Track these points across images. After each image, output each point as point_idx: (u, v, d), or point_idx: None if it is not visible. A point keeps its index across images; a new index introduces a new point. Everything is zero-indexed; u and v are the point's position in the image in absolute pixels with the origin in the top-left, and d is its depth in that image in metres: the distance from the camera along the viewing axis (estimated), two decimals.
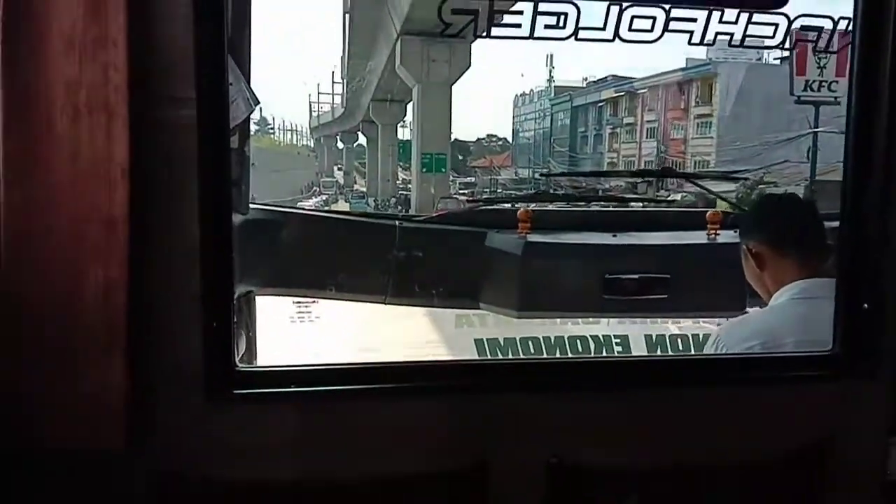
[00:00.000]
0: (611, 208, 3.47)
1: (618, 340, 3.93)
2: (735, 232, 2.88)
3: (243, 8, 1.81)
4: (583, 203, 3.88)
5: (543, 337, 3.90)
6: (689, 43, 2.12)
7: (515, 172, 36.41)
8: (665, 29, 1.95)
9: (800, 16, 2.09)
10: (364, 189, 37.66)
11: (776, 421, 1.68)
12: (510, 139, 42.55)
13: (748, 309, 2.56)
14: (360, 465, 1.54)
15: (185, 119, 1.38)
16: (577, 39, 2.01)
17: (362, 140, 41.19)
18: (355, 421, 1.55)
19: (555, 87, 37.27)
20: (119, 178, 1.30)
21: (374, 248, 2.81)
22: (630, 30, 1.93)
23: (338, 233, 2.87)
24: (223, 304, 1.47)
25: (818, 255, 2.04)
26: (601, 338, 3.92)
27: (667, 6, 1.85)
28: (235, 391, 1.49)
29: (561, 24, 1.94)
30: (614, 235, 2.98)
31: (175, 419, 1.45)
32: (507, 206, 3.25)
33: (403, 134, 34.05)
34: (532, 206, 3.12)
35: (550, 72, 37.69)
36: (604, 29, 1.93)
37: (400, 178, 33.35)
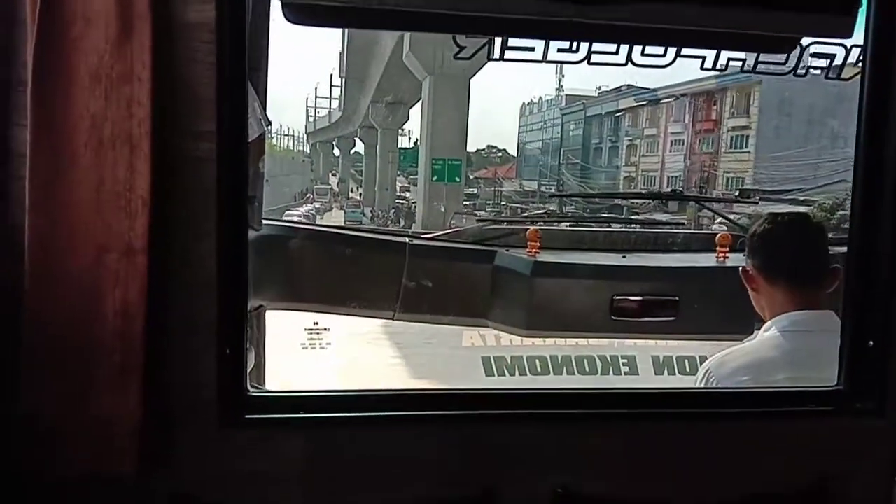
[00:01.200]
0: (621, 229, 3.48)
1: (625, 361, 3.92)
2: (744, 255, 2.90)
3: (262, 26, 1.83)
4: (596, 224, 3.88)
5: (551, 356, 3.91)
6: (702, 68, 2.14)
7: (520, 185, 34.50)
8: (678, 54, 1.96)
9: (812, 42, 2.10)
10: (360, 198, 36.15)
11: (780, 456, 1.68)
12: (513, 150, 40.72)
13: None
14: (368, 491, 1.56)
15: (205, 152, 1.41)
16: (589, 63, 2.03)
17: (360, 147, 40.05)
18: (364, 447, 1.57)
19: (566, 95, 35.76)
20: (140, 208, 1.33)
21: (384, 265, 2.84)
22: (643, 55, 1.94)
23: (348, 249, 2.89)
24: (237, 331, 1.49)
25: (813, 285, 1.97)
26: (608, 358, 3.91)
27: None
28: (247, 416, 1.51)
29: (574, 48, 1.96)
30: (623, 256, 3.00)
31: (189, 443, 1.48)
32: (517, 225, 3.28)
33: (402, 142, 32.48)
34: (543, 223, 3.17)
35: (560, 80, 36.41)
36: (616, 53, 1.93)
37: (397, 187, 31.75)
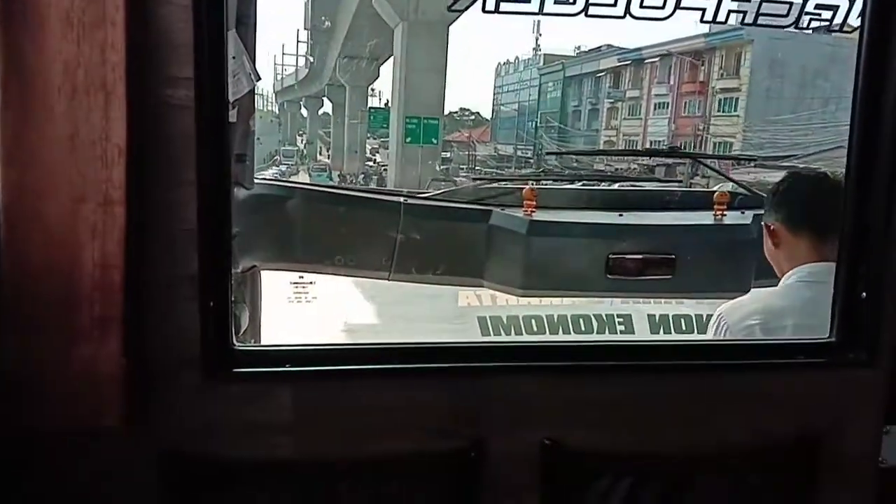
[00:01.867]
0: (619, 188, 3.45)
1: (620, 320, 3.92)
2: (742, 213, 2.87)
3: None
4: (593, 182, 3.84)
5: (547, 315, 3.90)
6: (702, 20, 2.09)
7: (495, 149, 33.14)
8: (677, 6, 1.92)
9: None
10: (328, 161, 34.24)
11: (772, 407, 1.68)
12: (487, 112, 38.68)
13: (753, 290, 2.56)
14: (356, 444, 1.55)
15: (184, 99, 1.37)
16: (587, 16, 1.98)
17: (328, 107, 38.47)
18: (352, 400, 1.55)
19: (544, 55, 34.17)
20: (116, 157, 1.29)
21: (378, 225, 2.82)
22: (641, 6, 1.89)
23: (342, 208, 2.86)
24: (221, 283, 1.46)
25: (834, 238, 2.01)
26: (604, 317, 3.91)
27: None
28: (233, 370, 1.50)
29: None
30: (620, 215, 2.97)
31: (172, 398, 1.46)
32: (513, 182, 3.25)
33: (372, 103, 31.02)
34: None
35: (537, 39, 35.00)
36: (614, 5, 1.89)
37: (367, 149, 30.37)
